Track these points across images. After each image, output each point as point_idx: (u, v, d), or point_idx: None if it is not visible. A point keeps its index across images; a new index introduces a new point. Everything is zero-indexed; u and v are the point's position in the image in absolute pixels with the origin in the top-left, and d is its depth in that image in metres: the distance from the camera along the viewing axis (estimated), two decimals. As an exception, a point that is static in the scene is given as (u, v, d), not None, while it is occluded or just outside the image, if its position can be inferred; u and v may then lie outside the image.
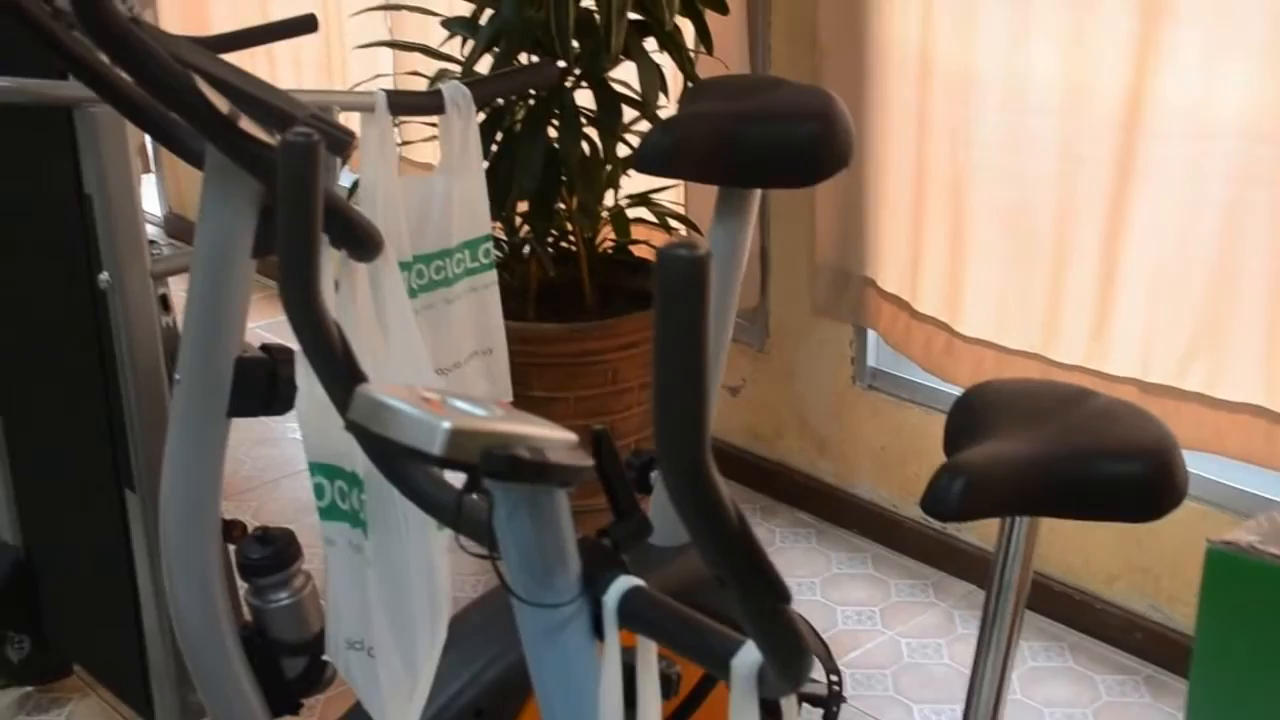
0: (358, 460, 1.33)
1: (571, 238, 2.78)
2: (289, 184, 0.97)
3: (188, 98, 1.13)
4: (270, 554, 1.59)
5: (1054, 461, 1.24)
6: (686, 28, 2.60)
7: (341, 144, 1.22)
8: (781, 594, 0.79)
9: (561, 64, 2.42)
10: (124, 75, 1.45)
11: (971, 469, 1.20)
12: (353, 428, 1.00)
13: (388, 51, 3.46)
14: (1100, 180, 2.28)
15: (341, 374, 1.04)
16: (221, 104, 1.16)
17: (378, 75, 3.16)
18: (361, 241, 1.25)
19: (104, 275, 1.82)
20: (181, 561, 1.51)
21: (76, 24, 1.56)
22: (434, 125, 2.25)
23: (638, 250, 2.89)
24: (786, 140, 1.64)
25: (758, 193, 1.80)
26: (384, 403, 0.94)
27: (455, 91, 1.98)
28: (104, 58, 1.46)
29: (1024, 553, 1.34)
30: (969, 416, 1.35)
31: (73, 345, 2.05)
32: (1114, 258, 2.30)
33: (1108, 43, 2.22)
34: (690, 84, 2.60)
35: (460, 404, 0.98)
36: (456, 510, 1.02)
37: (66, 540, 2.28)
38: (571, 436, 1.03)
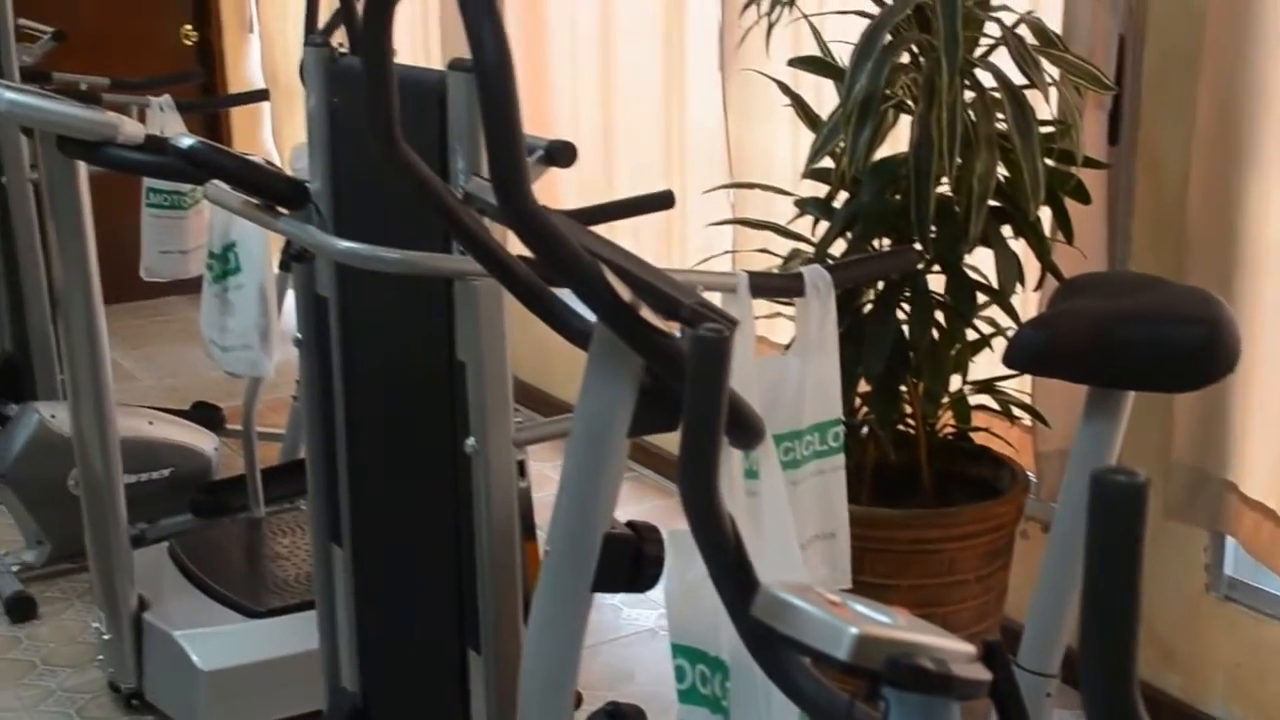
0: (723, 646, 1.31)
1: (910, 421, 2.74)
2: (698, 378, 0.98)
3: (596, 287, 1.16)
4: (621, 733, 1.58)
5: None
6: (1043, 214, 2.56)
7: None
8: None
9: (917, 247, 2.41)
10: (510, 253, 1.51)
11: None
12: (749, 623, 0.99)
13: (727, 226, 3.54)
14: None
15: (734, 569, 1.04)
16: (624, 292, 1.19)
17: (726, 251, 3.23)
18: (746, 430, 1.25)
19: (470, 440, 1.88)
20: (535, 733, 1.52)
21: (482, 207, 1.65)
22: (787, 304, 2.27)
23: (978, 437, 2.82)
24: (1170, 344, 1.58)
25: (1131, 395, 1.73)
26: (790, 602, 0.94)
27: (816, 275, 1.99)
28: (496, 237, 1.53)
29: None
30: None
31: (430, 504, 2.12)
32: None
33: None
34: (1047, 273, 2.55)
35: (862, 608, 0.97)
36: (848, 716, 0.99)
37: (405, 692, 2.33)
38: (969, 648, 1.01)
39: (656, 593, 3.40)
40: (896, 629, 0.94)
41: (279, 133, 6.18)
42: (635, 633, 3.25)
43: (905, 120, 2.56)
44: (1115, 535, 0.65)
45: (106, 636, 2.97)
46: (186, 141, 2.00)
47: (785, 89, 2.73)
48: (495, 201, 1.18)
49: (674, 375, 1.23)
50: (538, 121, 4.38)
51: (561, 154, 1.87)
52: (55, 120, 2.61)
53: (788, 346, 2.44)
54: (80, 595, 3.46)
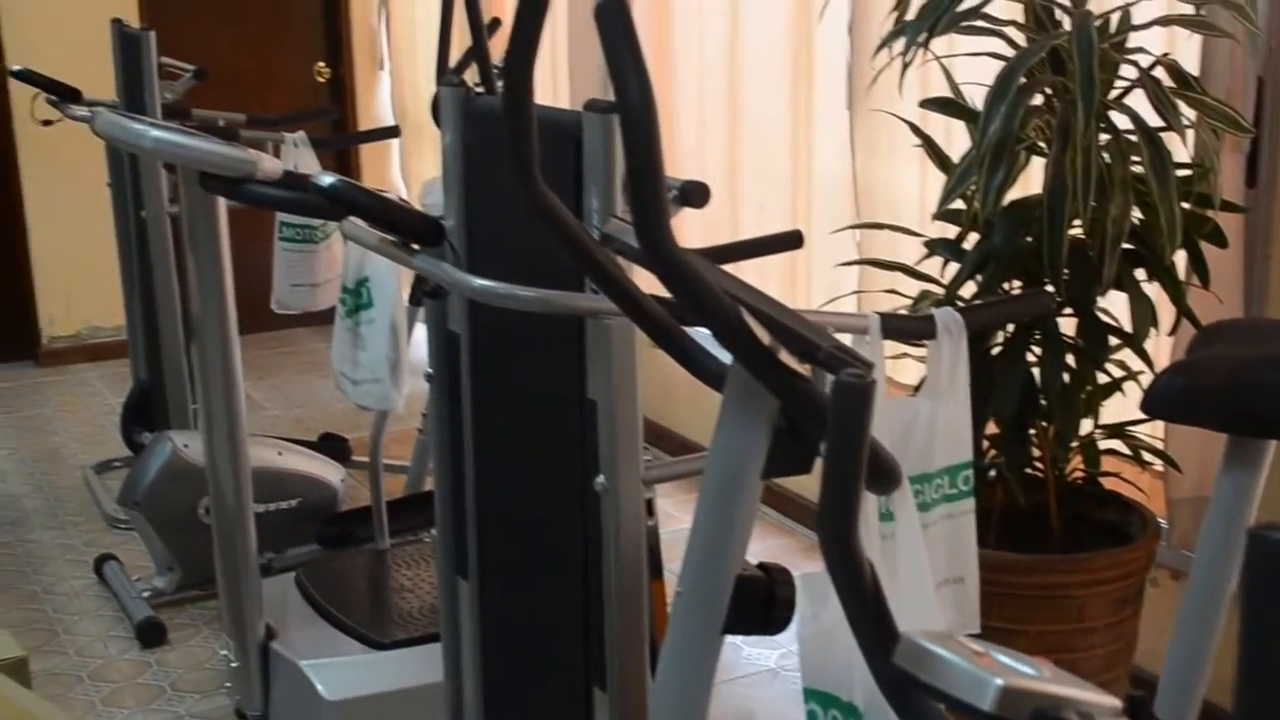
0: (856, 692, 1.30)
1: (1039, 465, 2.70)
2: (841, 424, 0.98)
3: (736, 330, 1.16)
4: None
5: None
6: (1178, 258, 2.51)
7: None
8: None
9: (1049, 288, 2.38)
10: (645, 294, 1.52)
11: None
12: (888, 671, 0.98)
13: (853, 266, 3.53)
14: None
15: (873, 616, 1.03)
16: (762, 335, 1.19)
17: (853, 292, 3.22)
18: (884, 476, 1.25)
19: (600, 479, 1.89)
20: (663, 773, 1.51)
21: (620, 248, 1.66)
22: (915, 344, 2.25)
23: (1108, 482, 2.78)
24: (1316, 390, 1.54)
25: (1272, 444, 1.69)
26: (933, 651, 0.93)
27: (948, 317, 1.97)
28: (629, 276, 1.54)
29: None
30: None
31: (557, 540, 2.14)
32: None
33: None
34: (1182, 318, 2.51)
35: (1006, 659, 0.96)
36: (987, 769, 0.98)
37: (528, 727, 2.35)
38: (1115, 702, 0.99)
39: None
40: (1041, 681, 0.93)
41: (407, 168, 6.30)
42: (756, 672, 3.24)
43: (1037, 162, 2.53)
44: (1276, 595, 0.64)
45: (234, 664, 3.02)
46: (326, 179, 2.04)
47: (916, 130, 2.72)
48: (635, 243, 1.18)
49: (811, 419, 1.23)
50: (665, 160, 4.41)
51: (695, 194, 1.88)
52: (197, 157, 2.67)
53: (917, 388, 2.42)
54: (208, 622, 3.53)
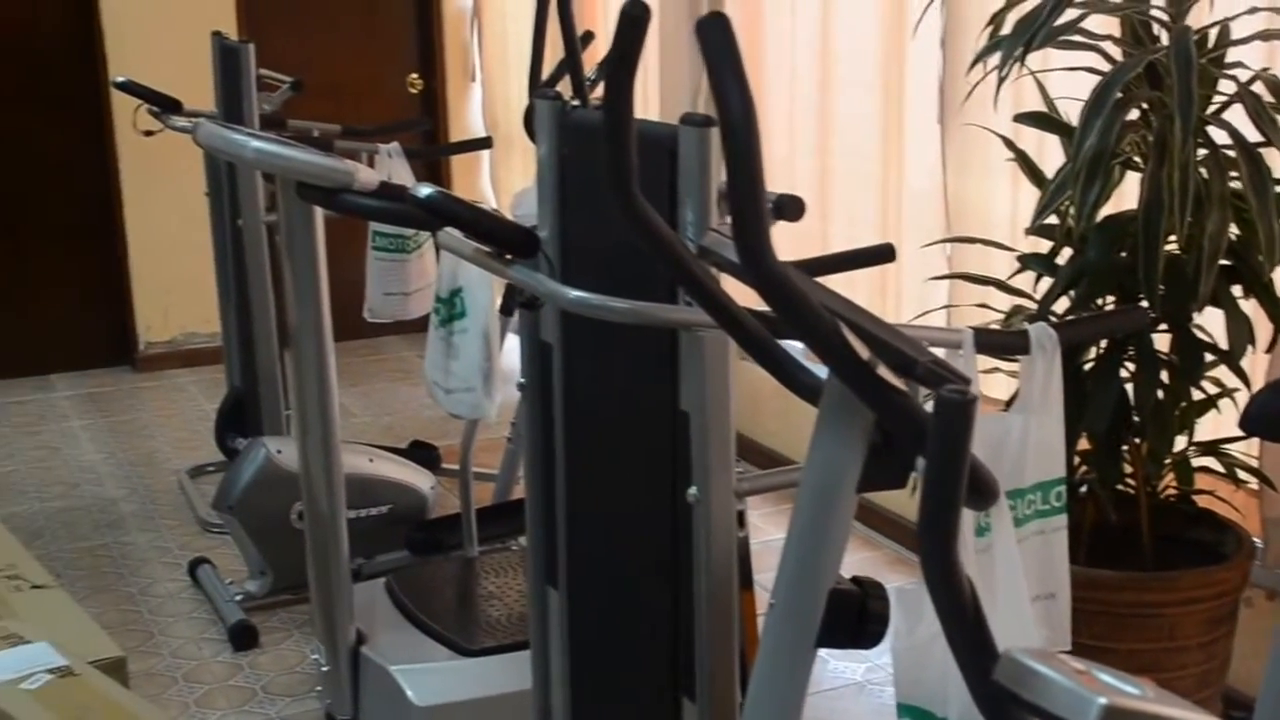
0: (951, 707, 1.30)
1: (1131, 481, 2.68)
2: (942, 440, 0.98)
3: (835, 344, 1.17)
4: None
5: None
6: (1277, 275, 2.48)
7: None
8: None
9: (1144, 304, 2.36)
10: (741, 308, 1.53)
11: None
12: (987, 687, 0.98)
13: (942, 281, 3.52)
14: None
15: (972, 632, 1.03)
16: (861, 350, 1.20)
17: (943, 307, 3.20)
18: (982, 491, 1.25)
19: (692, 490, 1.90)
20: (755, 784, 1.52)
21: (718, 261, 1.68)
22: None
23: (1201, 500, 2.74)
24: None
25: (1377, 462, 1.67)
26: (1035, 669, 0.94)
27: (1042, 333, 1.96)
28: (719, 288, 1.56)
29: None
30: None
31: (648, 551, 2.15)
32: None
33: None
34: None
35: (1108, 678, 0.96)
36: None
37: (615, 736, 2.36)
38: (1218, 723, 0.98)
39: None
40: (1144, 701, 0.93)
41: (497, 179, 6.35)
42: (843, 685, 3.23)
43: (1132, 177, 2.51)
44: None
45: (325, 668, 3.06)
46: (424, 190, 2.07)
47: (1010, 145, 2.71)
48: (733, 256, 1.20)
49: (909, 434, 1.23)
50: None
51: (790, 207, 1.89)
52: (296, 168, 2.72)
53: (1008, 403, 2.41)
54: (299, 626, 3.59)
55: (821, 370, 1.40)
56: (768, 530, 3.91)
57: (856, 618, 1.47)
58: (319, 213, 2.88)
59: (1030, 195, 2.61)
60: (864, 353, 1.22)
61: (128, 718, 1.88)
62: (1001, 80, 2.49)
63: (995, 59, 2.48)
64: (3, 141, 5.82)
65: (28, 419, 5.45)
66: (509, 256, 2.16)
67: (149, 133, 4.34)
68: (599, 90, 3.52)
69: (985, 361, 2.54)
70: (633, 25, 1.35)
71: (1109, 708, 0.89)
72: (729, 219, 1.89)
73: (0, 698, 1.91)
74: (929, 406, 1.12)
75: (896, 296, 3.96)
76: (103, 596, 3.76)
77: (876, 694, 3.21)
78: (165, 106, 4.29)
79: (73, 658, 2.06)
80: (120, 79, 4.40)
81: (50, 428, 5.36)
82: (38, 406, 5.62)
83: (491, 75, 6.33)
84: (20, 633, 2.13)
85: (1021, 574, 1.46)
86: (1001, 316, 2.67)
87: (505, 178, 6.26)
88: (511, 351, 3.32)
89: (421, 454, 4.14)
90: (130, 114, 4.42)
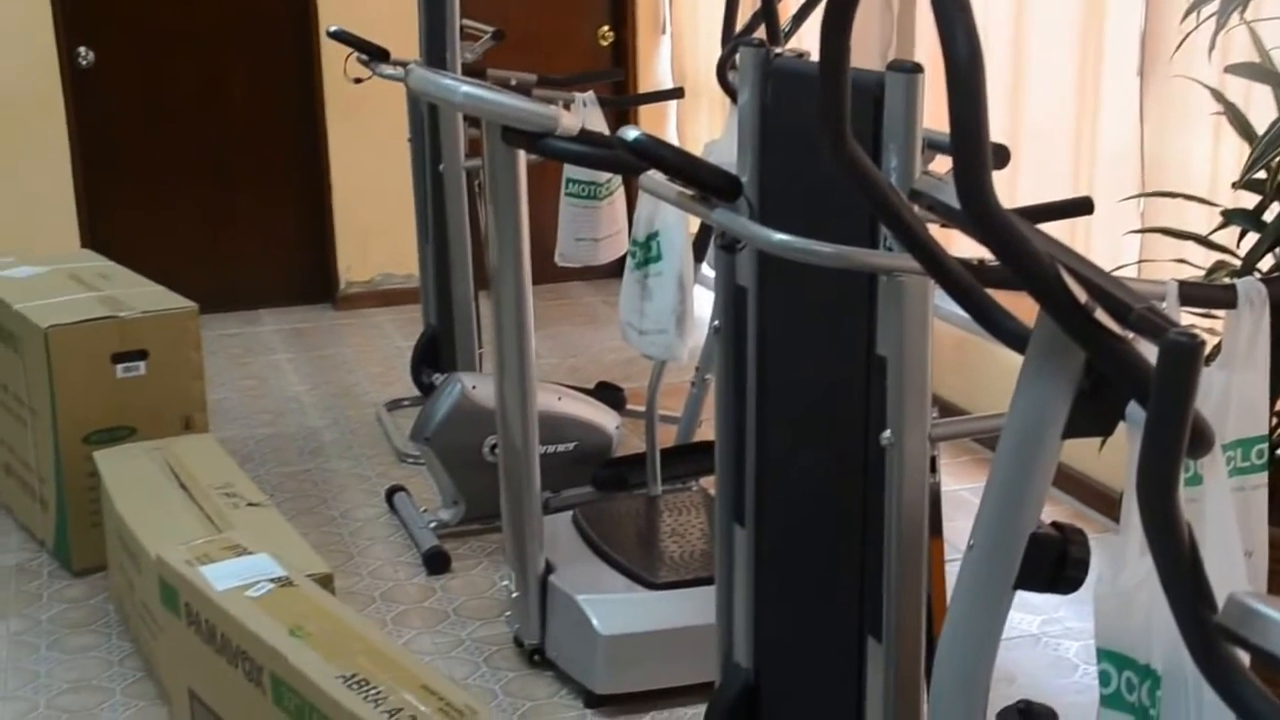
0: (1154, 654, 1.32)
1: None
2: (1167, 384, 0.99)
3: (1055, 287, 1.20)
4: (1033, 730, 1.60)
5: None
6: None
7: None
8: None
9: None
10: (948, 253, 1.56)
11: None
12: (1203, 634, 0.99)
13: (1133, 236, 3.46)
14: None
15: (1190, 579, 1.04)
16: (1079, 293, 1.22)
17: (1135, 262, 3.16)
18: (1199, 438, 1.25)
19: (886, 433, 1.93)
20: None
21: (931, 204, 1.70)
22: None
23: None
24: None
25: None
26: (1265, 613, 0.93)
27: (1250, 288, 1.94)
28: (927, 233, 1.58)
29: None
30: None
31: (837, 492, 2.19)
32: None
33: None
34: None
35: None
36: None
37: (798, 672, 2.41)
38: None
39: (1040, 599, 3.35)
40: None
41: (683, 130, 6.39)
42: (1019, 637, 3.24)
43: (1348, 132, 2.45)
44: None
45: (515, 594, 3.17)
46: (632, 133, 2.13)
47: (1219, 97, 2.66)
48: (949, 200, 1.22)
49: (1127, 379, 1.25)
50: (942, 122, 4.38)
51: (995, 156, 1.89)
52: (503, 112, 2.81)
53: (1209, 359, 2.38)
54: (489, 554, 3.71)
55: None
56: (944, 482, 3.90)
57: (1056, 562, 1.49)
58: (522, 157, 2.96)
59: (1233, 150, 2.56)
60: (1082, 298, 1.24)
61: (342, 627, 1.99)
62: (1219, 29, 2.44)
63: (1211, 6, 2.44)
64: (217, 87, 6.07)
65: (237, 351, 5.72)
66: (711, 200, 2.20)
67: (358, 80, 4.47)
68: (792, 41, 3.53)
69: (1185, 318, 2.51)
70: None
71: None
72: (928, 169, 1.91)
73: (229, 603, 2.04)
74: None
75: (1085, 252, 3.89)
76: (306, 518, 3.94)
77: (1052, 646, 3.20)
78: (374, 55, 4.42)
79: (290, 569, 2.19)
80: (333, 28, 4.54)
81: (258, 360, 5.61)
82: (246, 340, 5.89)
83: (681, 29, 6.36)
84: (243, 544, 2.27)
85: (1235, 525, 1.46)
86: (1196, 274, 2.63)
87: (692, 130, 6.30)
88: (702, 298, 3.38)
89: (607, 394, 4.23)
90: (339, 62, 4.57)
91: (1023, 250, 1.19)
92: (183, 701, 2.22)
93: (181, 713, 2.25)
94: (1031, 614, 3.32)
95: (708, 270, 3.01)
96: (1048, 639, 3.24)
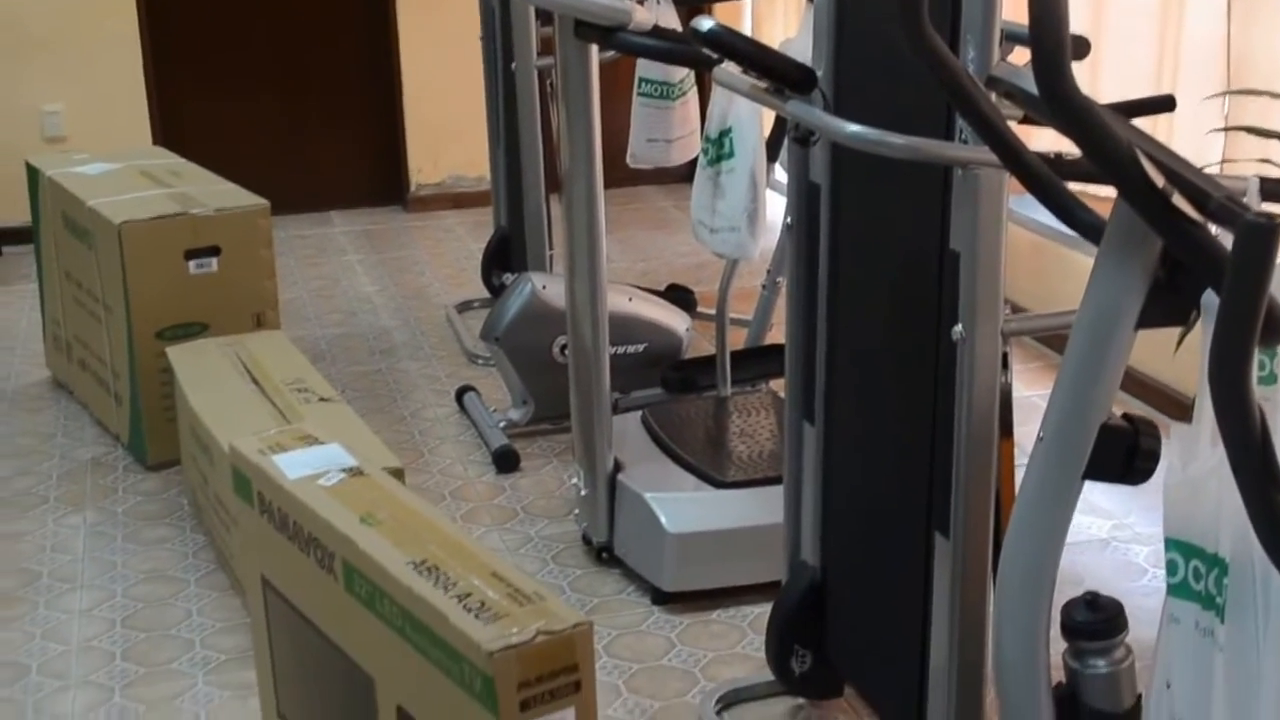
0: (1223, 543, 1.31)
1: None
2: (1243, 267, 0.98)
3: (1134, 172, 1.18)
4: (1099, 621, 1.61)
5: None
6: None
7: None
8: None
9: None
10: (1024, 144, 1.53)
11: None
12: (1275, 515, 0.98)
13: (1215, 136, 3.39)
14: None
15: (1260, 464, 1.03)
16: (1157, 179, 1.20)
17: (1218, 162, 3.10)
18: (1272, 326, 1.24)
19: (958, 328, 1.91)
20: (1013, 613, 1.56)
21: (1009, 90, 1.67)
22: None
23: None
24: None
25: None
26: None
27: (1335, 185, 1.90)
28: (1008, 125, 1.56)
29: None
30: None
31: (908, 388, 2.18)
32: None
33: None
34: None
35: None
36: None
37: (865, 569, 2.42)
38: None
39: (1110, 504, 3.33)
40: None
41: (759, 29, 6.32)
42: (1087, 540, 3.23)
43: None
44: None
45: (584, 492, 3.20)
46: (706, 24, 2.11)
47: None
48: (1028, 87, 1.20)
49: (1204, 265, 1.23)
50: (1021, 14, 4.29)
51: (1074, 46, 1.85)
52: (577, 5, 2.78)
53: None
54: (558, 454, 3.74)
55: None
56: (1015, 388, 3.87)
57: (1128, 453, 1.49)
58: (595, 55, 2.94)
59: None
60: (1161, 184, 1.22)
61: (413, 516, 2.02)
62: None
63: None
64: (289, -11, 6.08)
65: (309, 252, 5.77)
66: (785, 92, 2.18)
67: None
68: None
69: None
70: None
71: None
72: (1004, 61, 1.88)
73: (301, 492, 2.07)
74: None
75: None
76: (378, 416, 3.98)
77: (1122, 551, 3.19)
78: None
79: (361, 459, 2.21)
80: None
81: (329, 260, 5.66)
82: (318, 241, 5.93)
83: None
84: (315, 434, 2.29)
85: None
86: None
87: (768, 29, 6.22)
88: (774, 202, 3.36)
89: (678, 296, 4.22)
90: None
91: (1101, 134, 1.17)
92: (256, 590, 2.27)
93: (255, 601, 2.29)
94: (1102, 518, 3.31)
95: (780, 176, 2.99)
96: (1117, 543, 3.22)
